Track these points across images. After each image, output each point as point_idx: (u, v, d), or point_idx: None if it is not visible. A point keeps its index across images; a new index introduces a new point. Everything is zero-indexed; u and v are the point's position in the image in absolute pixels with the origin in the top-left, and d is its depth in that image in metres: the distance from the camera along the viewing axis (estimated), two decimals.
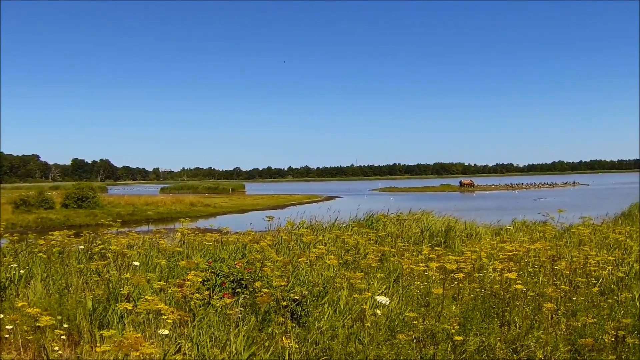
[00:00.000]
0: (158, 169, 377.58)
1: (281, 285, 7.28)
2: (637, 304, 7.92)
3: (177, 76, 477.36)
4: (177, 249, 11.36)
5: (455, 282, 8.69)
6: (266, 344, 6.68)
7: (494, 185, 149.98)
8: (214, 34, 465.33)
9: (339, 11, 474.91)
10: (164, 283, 7.52)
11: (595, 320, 7.08)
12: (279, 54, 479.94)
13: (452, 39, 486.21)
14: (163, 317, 6.03)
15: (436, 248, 11.68)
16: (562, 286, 8.19)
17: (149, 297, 6.07)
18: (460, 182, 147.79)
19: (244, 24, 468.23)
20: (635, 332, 7.00)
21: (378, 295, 7.89)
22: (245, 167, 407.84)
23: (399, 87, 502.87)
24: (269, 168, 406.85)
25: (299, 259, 9.56)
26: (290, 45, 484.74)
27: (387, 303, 7.40)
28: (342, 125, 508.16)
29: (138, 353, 4.59)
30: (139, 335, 4.79)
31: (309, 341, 6.90)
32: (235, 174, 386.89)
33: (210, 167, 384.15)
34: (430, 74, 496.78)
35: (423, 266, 9.22)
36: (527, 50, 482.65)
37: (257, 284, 7.57)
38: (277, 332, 6.77)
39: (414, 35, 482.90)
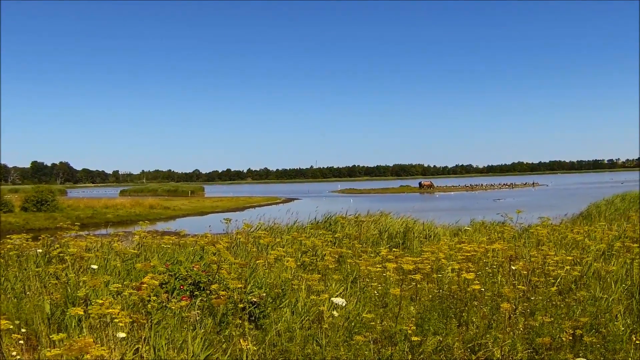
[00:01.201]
0: (117, 171, 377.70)
1: (238, 288, 7.28)
2: (596, 302, 8.06)
3: (135, 77, 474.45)
4: (133, 251, 11.32)
5: (414, 283, 8.75)
6: (224, 346, 6.72)
7: (454, 186, 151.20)
8: (172, 33, 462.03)
9: (292, 9, 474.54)
10: (120, 286, 7.48)
11: (552, 319, 7.19)
12: (237, 54, 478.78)
13: (409, 38, 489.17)
14: (115, 320, 6.00)
15: (394, 249, 11.75)
16: (519, 286, 8.31)
17: (100, 301, 6.03)
18: (420, 184, 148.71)
19: (199, 23, 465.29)
20: (593, 331, 7.13)
21: (335, 296, 7.93)
22: (205, 170, 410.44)
23: (357, 89, 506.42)
24: (229, 170, 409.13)
25: (257, 261, 9.58)
26: (248, 44, 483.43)
27: (344, 304, 7.46)
28: (301, 127, 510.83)
29: (89, 356, 4.58)
30: (89, 338, 4.76)
31: (267, 343, 6.92)
32: (195, 176, 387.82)
33: (170, 170, 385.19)
34: (388, 75, 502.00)
35: (380, 267, 9.28)
36: (485, 50, 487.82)
37: (214, 286, 7.58)
38: (234, 334, 6.78)
39: (372, 35, 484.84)
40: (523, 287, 8.25)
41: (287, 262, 9.28)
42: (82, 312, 6.28)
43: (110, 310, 5.95)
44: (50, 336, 6.05)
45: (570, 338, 6.72)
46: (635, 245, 10.71)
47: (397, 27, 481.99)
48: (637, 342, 6.85)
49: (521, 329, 7.26)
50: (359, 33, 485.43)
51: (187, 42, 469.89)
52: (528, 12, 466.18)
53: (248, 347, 6.47)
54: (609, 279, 9.28)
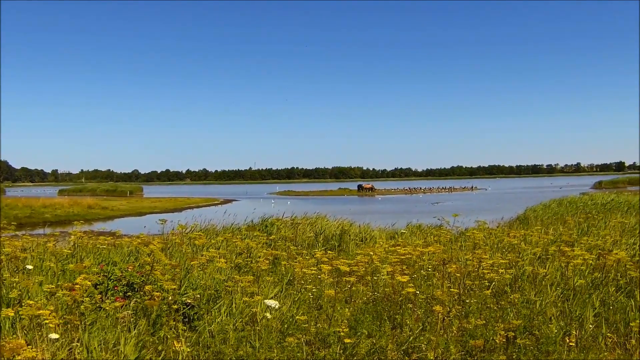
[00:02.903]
0: (57, 170, 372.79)
1: (172, 289, 7.30)
2: (530, 305, 8.23)
3: (75, 75, 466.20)
4: (67, 251, 11.20)
5: (349, 286, 8.82)
6: (158, 347, 6.70)
7: (393, 189, 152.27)
8: (111, 29, 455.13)
9: (242, 11, 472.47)
10: (53, 286, 7.40)
11: (486, 322, 7.33)
12: (175, 53, 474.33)
13: (346, 40, 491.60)
14: (46, 321, 5.96)
15: (329, 252, 11.81)
16: (452, 289, 8.44)
17: (31, 302, 5.98)
18: (360, 186, 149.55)
19: (137, 19, 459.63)
20: (527, 333, 7.28)
21: (269, 299, 7.97)
22: (144, 170, 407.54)
23: (296, 91, 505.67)
24: (168, 171, 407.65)
25: (191, 262, 9.56)
26: (186, 42, 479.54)
27: (277, 307, 7.51)
28: (240, 128, 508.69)
29: (20, 357, 4.56)
30: (21, 340, 4.74)
31: (201, 345, 6.95)
32: (134, 176, 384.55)
33: (109, 169, 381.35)
34: (327, 78, 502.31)
35: (315, 269, 9.33)
36: (423, 52, 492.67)
37: (148, 287, 7.57)
38: (168, 335, 6.79)
39: (309, 36, 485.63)
40: (455, 290, 8.39)
41: (218, 263, 9.29)
42: (12, 314, 6.23)
43: (41, 311, 5.90)
44: None
45: (504, 340, 6.85)
46: (570, 249, 10.97)
47: (332, 28, 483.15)
48: (571, 344, 7.03)
49: (455, 331, 7.39)
50: (295, 34, 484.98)
51: (127, 40, 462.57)
52: (460, 13, 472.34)
53: (182, 348, 6.51)
54: (543, 282, 9.47)
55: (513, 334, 6.90)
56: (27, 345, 5.22)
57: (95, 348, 6.35)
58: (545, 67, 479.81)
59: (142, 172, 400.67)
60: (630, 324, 7.46)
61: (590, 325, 7.78)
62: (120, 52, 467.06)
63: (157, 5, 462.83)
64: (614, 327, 7.86)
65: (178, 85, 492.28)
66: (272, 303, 7.53)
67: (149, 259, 8.91)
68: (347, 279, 8.63)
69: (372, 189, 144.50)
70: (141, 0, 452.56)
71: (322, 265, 9.16)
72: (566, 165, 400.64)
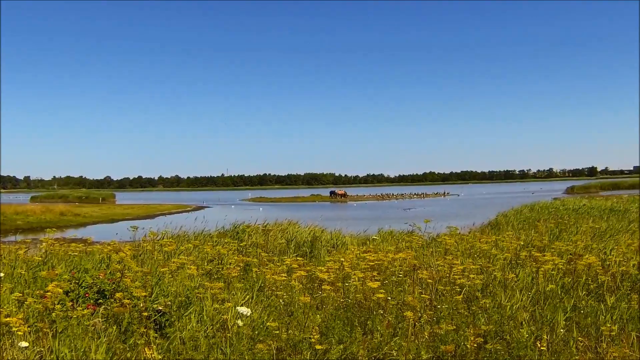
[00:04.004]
0: (29, 177, 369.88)
1: (143, 296, 7.34)
2: (501, 310, 8.30)
3: (47, 80, 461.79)
4: (38, 258, 11.17)
5: (319, 292, 8.84)
6: (128, 355, 6.71)
7: (366, 195, 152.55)
8: (85, 33, 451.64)
9: (208, 14, 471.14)
10: (20, 294, 7.37)
11: (456, 327, 7.37)
12: (152, 59, 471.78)
13: (317, 45, 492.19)
14: (14, 329, 5.94)
15: (298, 258, 11.83)
16: (423, 295, 8.49)
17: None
18: (332, 192, 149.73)
19: (110, 23, 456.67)
20: (498, 338, 7.34)
21: (240, 305, 7.99)
22: (116, 176, 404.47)
23: (268, 96, 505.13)
24: (140, 177, 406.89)
25: (162, 269, 9.55)
26: (161, 46, 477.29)
27: (248, 313, 7.52)
28: (212, 134, 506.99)
29: None
30: None
31: (172, 352, 6.96)
32: (106, 183, 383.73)
33: (82, 176, 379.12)
34: (298, 83, 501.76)
35: (285, 276, 9.35)
36: (394, 58, 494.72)
37: (119, 294, 7.61)
38: (139, 342, 6.81)
39: (280, 41, 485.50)
40: (426, 296, 8.44)
41: (189, 270, 9.29)
42: None
43: (9, 319, 5.88)
44: None
45: (475, 345, 6.90)
46: (540, 254, 11.07)
47: (303, 32, 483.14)
48: (542, 348, 7.09)
49: (426, 336, 7.42)
50: (266, 38, 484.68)
51: (100, 43, 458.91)
52: (429, 16, 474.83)
53: (153, 355, 6.51)
54: (514, 287, 9.55)
55: (481, 340, 6.95)
56: None
57: (65, 355, 6.33)
58: (516, 72, 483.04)
59: (115, 179, 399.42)
60: (601, 327, 7.54)
61: (562, 330, 7.85)
62: (92, 57, 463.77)
63: (124, 5, 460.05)
64: (585, 331, 7.94)
65: (150, 91, 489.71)
66: (244, 310, 7.56)
67: (120, 266, 8.90)
68: (320, 285, 8.66)
69: (344, 195, 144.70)
70: (107, 1, 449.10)
71: (292, 272, 9.19)
72: (539, 170, 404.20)
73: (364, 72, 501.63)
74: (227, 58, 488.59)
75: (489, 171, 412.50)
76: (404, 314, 7.34)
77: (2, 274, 9.76)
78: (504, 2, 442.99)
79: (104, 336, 6.96)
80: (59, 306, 6.95)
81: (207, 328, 7.57)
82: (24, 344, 6.14)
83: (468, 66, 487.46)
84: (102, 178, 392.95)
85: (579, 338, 7.66)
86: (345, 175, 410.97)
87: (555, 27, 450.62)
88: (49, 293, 6.96)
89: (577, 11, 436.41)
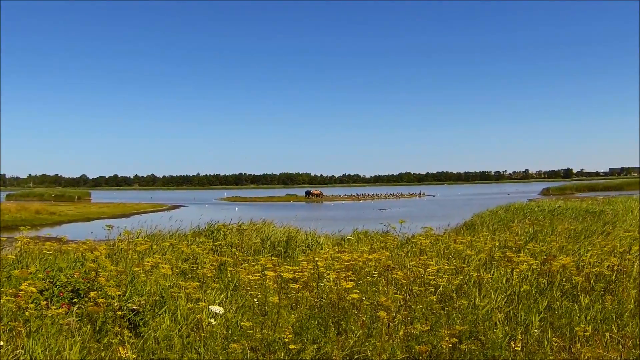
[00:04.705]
0: (4, 175, 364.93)
1: (117, 295, 7.35)
2: (475, 310, 8.33)
3: (21, 78, 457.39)
4: (12, 257, 11.12)
5: (294, 292, 8.84)
6: (102, 354, 6.69)
7: (341, 195, 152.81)
8: (59, 34, 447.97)
9: (185, 13, 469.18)
10: None
11: (430, 327, 7.40)
12: (128, 59, 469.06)
13: (298, 46, 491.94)
14: None
15: (273, 258, 11.83)
16: (396, 295, 8.52)
17: None
18: (308, 192, 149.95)
19: (84, 21, 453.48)
20: (472, 338, 7.37)
21: (214, 305, 8.01)
22: (92, 175, 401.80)
23: (244, 96, 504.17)
24: (116, 176, 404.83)
25: (136, 268, 9.53)
26: (136, 45, 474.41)
27: (221, 313, 7.53)
28: (188, 133, 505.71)
29: None
30: None
31: (146, 351, 6.94)
32: (82, 181, 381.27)
33: (57, 174, 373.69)
34: (276, 83, 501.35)
35: (259, 276, 9.35)
36: (371, 62, 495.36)
37: (93, 293, 7.57)
38: (113, 342, 6.80)
39: (257, 41, 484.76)
40: (400, 296, 8.47)
41: (164, 269, 9.28)
42: None
43: None
44: None
45: (450, 345, 6.92)
46: (515, 255, 11.14)
47: (285, 34, 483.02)
48: (516, 348, 7.13)
49: (401, 336, 7.44)
50: (243, 39, 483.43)
51: (76, 42, 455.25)
52: (406, 20, 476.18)
53: (127, 355, 6.53)
54: (489, 288, 9.60)
55: (455, 340, 6.98)
56: None
57: (39, 355, 6.32)
58: (492, 74, 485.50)
59: (90, 177, 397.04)
60: (575, 328, 7.60)
61: (536, 330, 7.90)
62: (68, 55, 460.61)
63: (101, 4, 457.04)
64: (559, 332, 8.00)
65: (126, 90, 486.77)
66: (217, 309, 7.59)
67: (94, 265, 8.87)
68: (291, 285, 8.66)
69: (320, 195, 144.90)
70: (87, 1, 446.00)
71: (266, 272, 9.20)
72: (514, 172, 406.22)
73: (339, 74, 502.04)
74: (202, 58, 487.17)
75: (465, 172, 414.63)
76: (378, 314, 7.36)
77: None
78: (470, 5, 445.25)
79: (78, 335, 6.93)
80: (32, 305, 6.93)
81: (181, 327, 7.56)
82: None
83: (443, 68, 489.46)
84: (78, 176, 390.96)
85: (553, 338, 7.72)
86: (321, 175, 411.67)
87: (530, 30, 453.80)
88: (22, 292, 6.93)
89: (552, 15, 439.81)
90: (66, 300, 8.08)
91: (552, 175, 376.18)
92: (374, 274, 10.15)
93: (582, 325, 7.56)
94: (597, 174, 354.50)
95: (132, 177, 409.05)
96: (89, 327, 7.27)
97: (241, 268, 10.95)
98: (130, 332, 7.19)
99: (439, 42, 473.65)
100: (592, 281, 10.16)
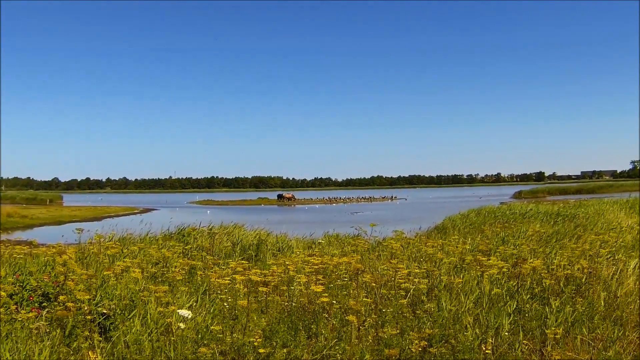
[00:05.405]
0: None
1: (87, 299, 7.35)
2: (445, 314, 8.35)
3: None
4: None
5: (264, 296, 8.83)
6: (71, 358, 6.70)
7: (313, 199, 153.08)
8: (32, 33, 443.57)
9: (160, 16, 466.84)
10: None
11: (400, 330, 7.41)
12: (100, 59, 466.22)
13: (270, 50, 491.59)
14: None
15: (243, 262, 11.81)
16: (365, 299, 8.53)
17: None
18: (280, 195, 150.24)
19: (56, 21, 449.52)
20: (443, 341, 7.39)
21: (184, 309, 8.02)
22: (64, 178, 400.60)
23: (215, 99, 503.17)
24: (88, 179, 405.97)
25: (106, 272, 9.50)
26: (108, 46, 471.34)
27: (190, 316, 7.54)
28: (160, 136, 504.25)
29: None
30: None
31: (115, 355, 6.94)
32: (54, 184, 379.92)
33: (29, 177, 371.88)
34: (246, 87, 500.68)
35: (229, 279, 9.34)
36: (343, 63, 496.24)
37: (62, 297, 7.60)
38: (83, 346, 6.80)
39: (231, 45, 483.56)
40: (368, 300, 8.48)
41: (134, 273, 9.26)
42: None
43: None
44: None
45: (420, 349, 6.94)
46: (485, 258, 11.20)
47: (251, 34, 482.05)
48: (487, 351, 7.16)
49: (371, 340, 7.45)
50: (215, 41, 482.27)
51: (45, 42, 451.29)
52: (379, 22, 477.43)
53: (97, 359, 6.54)
54: (460, 291, 9.63)
55: (425, 343, 7.00)
56: None
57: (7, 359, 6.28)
58: (464, 77, 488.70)
59: (63, 180, 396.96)
60: (546, 331, 7.64)
61: (506, 333, 7.94)
62: (40, 57, 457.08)
63: (80, 4, 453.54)
64: (530, 335, 8.05)
65: (97, 92, 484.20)
66: (185, 313, 7.60)
67: (64, 269, 8.83)
68: (261, 288, 8.64)
69: (292, 198, 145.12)
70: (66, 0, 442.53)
71: (236, 276, 9.18)
72: (487, 175, 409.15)
73: (311, 76, 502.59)
74: (173, 60, 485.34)
75: (437, 175, 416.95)
76: (347, 317, 7.36)
77: None
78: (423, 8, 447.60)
79: (48, 339, 6.91)
80: (2, 309, 6.89)
81: (151, 331, 7.56)
82: None
83: (415, 72, 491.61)
84: (50, 179, 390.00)
85: (524, 341, 7.77)
86: (293, 178, 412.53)
87: (499, 34, 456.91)
88: None
89: (523, 16, 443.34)
90: (36, 304, 8.07)
91: (524, 178, 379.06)
92: (345, 277, 10.16)
93: (553, 328, 7.61)
94: (569, 177, 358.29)
95: (104, 180, 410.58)
96: (58, 331, 7.24)
97: (211, 272, 10.93)
98: (100, 337, 7.21)
99: (408, 45, 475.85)
100: (562, 284, 10.23)
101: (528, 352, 7.62)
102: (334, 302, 8.41)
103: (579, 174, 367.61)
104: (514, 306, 8.86)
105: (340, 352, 7.02)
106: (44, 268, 10.81)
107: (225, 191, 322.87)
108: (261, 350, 6.72)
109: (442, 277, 10.40)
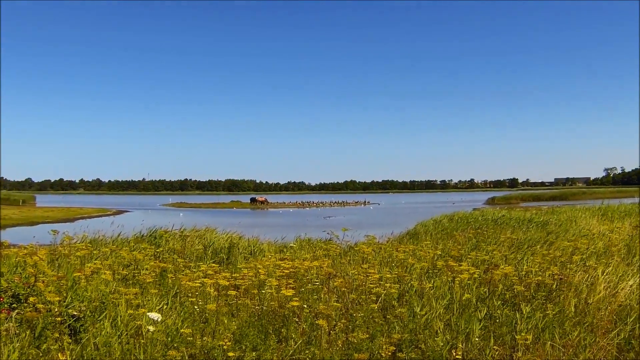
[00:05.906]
0: None
1: (57, 301, 7.33)
2: (416, 319, 8.37)
3: None
4: None
5: (235, 299, 8.83)
6: None
7: (286, 202, 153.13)
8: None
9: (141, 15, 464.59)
10: None
11: (370, 335, 7.42)
12: (74, 57, 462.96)
13: (241, 51, 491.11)
14: None
15: (214, 265, 11.80)
16: (335, 303, 8.54)
17: None
18: (253, 199, 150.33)
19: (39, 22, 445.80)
20: (413, 347, 7.41)
21: (154, 311, 8.06)
22: (37, 179, 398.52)
23: (190, 100, 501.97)
24: (61, 180, 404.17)
25: (77, 274, 9.48)
26: (85, 47, 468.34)
27: (159, 319, 7.55)
28: (134, 138, 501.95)
29: None
30: None
31: (85, 357, 6.93)
32: (27, 185, 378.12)
33: (2, 177, 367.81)
34: (220, 89, 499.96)
35: (199, 282, 9.33)
36: (318, 66, 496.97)
37: (32, 299, 7.57)
38: (52, 348, 6.79)
39: (206, 47, 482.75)
40: (339, 304, 8.49)
41: (104, 275, 9.25)
42: None
43: None
44: None
45: (390, 354, 6.95)
46: (457, 264, 11.24)
47: (230, 38, 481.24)
48: (457, 357, 7.19)
49: (340, 345, 7.45)
50: (187, 44, 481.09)
51: (24, 42, 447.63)
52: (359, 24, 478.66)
53: None
54: (430, 296, 9.65)
55: (393, 348, 7.02)
56: None
57: None
58: (437, 83, 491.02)
59: (36, 181, 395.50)
60: (517, 336, 7.68)
61: (477, 339, 7.96)
62: (14, 55, 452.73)
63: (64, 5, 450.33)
64: (500, 340, 8.08)
65: (70, 92, 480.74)
66: (155, 316, 7.65)
67: (34, 270, 8.78)
68: (229, 292, 8.65)
69: (265, 202, 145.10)
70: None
71: (206, 279, 9.17)
72: (460, 181, 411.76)
73: (284, 81, 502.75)
74: (146, 61, 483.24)
75: (410, 181, 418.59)
76: (318, 322, 7.37)
77: None
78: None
79: (17, 341, 6.89)
80: None
81: (121, 334, 7.56)
82: None
83: (388, 77, 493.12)
84: (23, 180, 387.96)
85: (495, 347, 7.79)
86: (266, 182, 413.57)
87: (472, 39, 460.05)
88: None
89: (501, 20, 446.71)
90: (6, 305, 8.01)
91: (497, 184, 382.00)
92: (316, 281, 10.17)
93: (523, 334, 7.65)
94: (542, 184, 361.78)
95: (77, 181, 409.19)
96: (28, 332, 7.21)
97: (182, 275, 10.92)
98: (70, 339, 7.17)
99: (383, 50, 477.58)
100: (533, 290, 10.28)
101: (499, 357, 7.65)
102: (305, 306, 8.44)
103: (553, 180, 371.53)
104: (485, 312, 8.90)
105: (310, 356, 7.05)
106: (14, 269, 10.76)
107: (198, 194, 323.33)
108: (230, 354, 6.75)
109: (413, 282, 10.43)
